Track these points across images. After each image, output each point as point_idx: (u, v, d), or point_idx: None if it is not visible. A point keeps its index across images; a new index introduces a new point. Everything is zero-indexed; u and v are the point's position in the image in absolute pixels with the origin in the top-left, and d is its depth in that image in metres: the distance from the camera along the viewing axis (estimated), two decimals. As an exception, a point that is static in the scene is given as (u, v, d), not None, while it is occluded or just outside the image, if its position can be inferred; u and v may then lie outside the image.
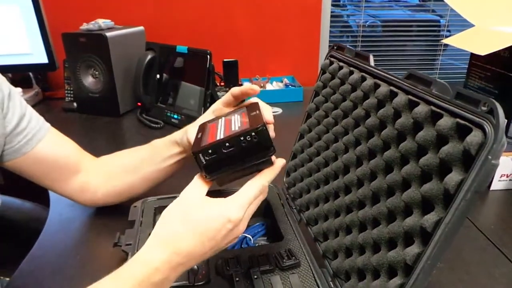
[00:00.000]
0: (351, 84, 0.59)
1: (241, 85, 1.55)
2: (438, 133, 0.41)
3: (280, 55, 1.75)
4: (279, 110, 1.42)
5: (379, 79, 0.53)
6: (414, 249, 0.41)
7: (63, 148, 0.73)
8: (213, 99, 1.30)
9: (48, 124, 0.72)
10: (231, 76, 1.54)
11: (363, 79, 0.56)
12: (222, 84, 1.57)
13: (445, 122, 0.40)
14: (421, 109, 0.43)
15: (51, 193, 0.92)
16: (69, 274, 0.67)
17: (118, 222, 0.74)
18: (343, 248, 0.54)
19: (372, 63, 0.56)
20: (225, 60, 1.51)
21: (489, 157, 0.35)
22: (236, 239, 0.48)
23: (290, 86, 1.54)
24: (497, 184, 0.90)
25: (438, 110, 0.41)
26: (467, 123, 0.37)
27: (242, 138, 0.46)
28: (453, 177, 0.37)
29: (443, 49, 2.33)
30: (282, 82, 1.58)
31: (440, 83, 0.43)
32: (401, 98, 0.47)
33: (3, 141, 0.64)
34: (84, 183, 0.74)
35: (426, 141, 0.42)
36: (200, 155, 0.46)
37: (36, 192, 0.97)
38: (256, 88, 0.62)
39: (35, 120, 0.68)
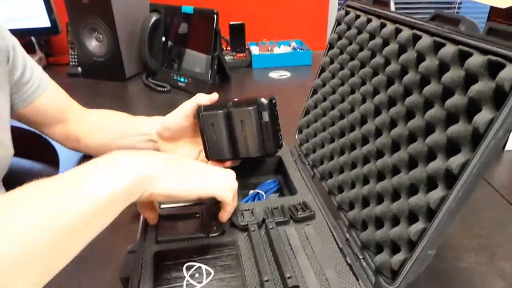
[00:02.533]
0: (369, 33, 0.57)
1: (248, 49, 1.53)
2: (467, 72, 0.39)
3: (288, 19, 1.70)
4: (287, 74, 1.39)
5: (401, 24, 0.50)
6: (438, 193, 0.40)
7: (60, 99, 0.77)
8: (220, 61, 1.28)
9: (47, 76, 0.75)
10: (238, 40, 1.51)
11: (383, 25, 0.54)
12: (229, 48, 1.54)
13: (475, 60, 0.38)
14: (448, 49, 0.41)
15: (60, 154, 0.92)
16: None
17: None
18: (360, 198, 0.53)
19: (393, 8, 0.54)
20: (231, 23, 1.47)
21: (525, 91, 0.33)
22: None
23: (298, 50, 1.50)
24: (512, 143, 0.89)
25: (467, 49, 0.39)
26: (499, 59, 0.36)
27: None
28: (483, 116, 0.36)
29: (458, 6, 2.25)
30: (290, 46, 1.54)
31: (469, 21, 0.41)
32: (425, 40, 0.45)
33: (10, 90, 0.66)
34: (70, 132, 0.78)
35: (453, 82, 0.40)
36: None
37: (45, 154, 0.97)
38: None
39: (37, 71, 0.72)
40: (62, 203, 0.35)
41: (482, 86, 0.37)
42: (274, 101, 0.59)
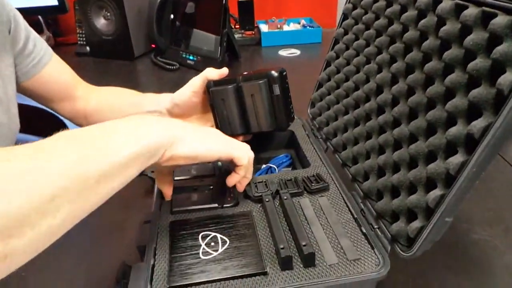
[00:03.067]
0: (386, 0, 0.55)
1: (257, 27, 1.51)
2: (491, 34, 0.38)
3: (297, -4, 1.67)
4: (297, 52, 1.37)
5: (420, -11, 0.49)
6: (458, 158, 0.39)
7: (64, 73, 0.76)
8: (230, 39, 1.26)
9: (50, 49, 0.74)
10: (247, 18, 1.49)
11: (401, -9, 0.52)
12: (237, 26, 1.52)
13: (500, 20, 0.37)
14: (471, 11, 0.40)
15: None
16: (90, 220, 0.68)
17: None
18: (375, 169, 0.53)
19: (412, -27, 0.52)
20: (240, 0, 1.45)
21: (553, 49, 0.32)
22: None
23: (308, 27, 1.48)
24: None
25: (491, 10, 0.38)
26: (526, 18, 0.34)
27: None
28: (508, 77, 0.35)
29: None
30: (299, 23, 1.52)
31: (493, -19, 0.39)
32: (446, 3, 0.44)
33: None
34: (78, 109, 0.78)
35: (476, 44, 0.39)
36: None
37: (56, 131, 0.97)
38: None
39: (40, 44, 0.71)
40: (87, 153, 0.36)
41: (507, 47, 0.36)
42: (284, 73, 0.58)
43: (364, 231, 0.49)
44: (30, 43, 0.69)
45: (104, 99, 0.80)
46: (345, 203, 0.54)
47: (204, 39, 1.25)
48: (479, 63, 0.39)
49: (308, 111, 0.76)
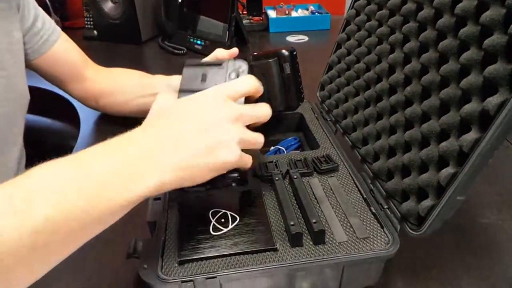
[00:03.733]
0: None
1: (265, 12, 1.50)
2: (508, 10, 0.37)
3: (306, -18, 1.65)
4: (305, 38, 1.36)
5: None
6: (471, 135, 0.39)
7: (73, 52, 0.77)
8: (238, 24, 1.25)
9: (59, 28, 0.75)
10: (254, 3, 1.48)
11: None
12: (245, 12, 1.51)
13: (519, -5, 0.36)
14: (489, -13, 0.39)
15: (80, 113, 0.93)
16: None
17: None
18: (386, 149, 0.53)
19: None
20: (248, -15, 1.44)
21: None
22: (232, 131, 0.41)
23: (316, 14, 1.46)
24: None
25: (510, -15, 0.37)
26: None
27: None
28: (525, 52, 0.35)
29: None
30: (307, 9, 1.50)
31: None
32: (463, -20, 0.43)
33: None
34: (88, 90, 0.79)
35: (493, 21, 0.39)
36: None
37: (65, 113, 0.98)
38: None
39: (48, 22, 0.72)
40: (64, 198, 0.33)
41: (525, 22, 0.35)
42: (294, 52, 0.57)
43: (374, 210, 0.49)
44: (39, 21, 0.69)
45: (115, 80, 0.80)
46: (355, 183, 0.54)
47: (212, 24, 1.25)
48: (496, 39, 0.38)
49: (317, 94, 0.76)
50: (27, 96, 0.67)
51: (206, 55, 0.66)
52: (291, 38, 1.37)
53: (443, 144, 0.42)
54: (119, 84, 0.79)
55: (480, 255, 0.55)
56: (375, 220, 0.48)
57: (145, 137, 0.40)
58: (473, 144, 0.39)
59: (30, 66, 0.71)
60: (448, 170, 0.41)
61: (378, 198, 0.51)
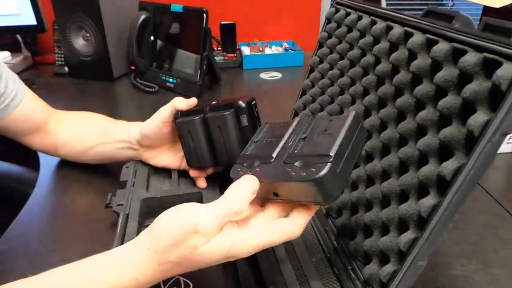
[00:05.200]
0: (360, 30, 0.54)
1: (239, 49, 1.51)
2: (461, 71, 0.36)
3: (280, 19, 1.68)
4: (278, 75, 1.37)
5: (392, 21, 0.48)
6: (429, 200, 0.37)
7: (36, 112, 0.74)
8: (210, 62, 1.25)
9: (23, 86, 0.72)
10: (229, 40, 1.48)
11: (373, 23, 0.51)
12: (220, 48, 1.51)
13: (470, 58, 0.35)
14: (442, 46, 0.39)
15: (40, 156, 0.88)
16: (58, 237, 0.64)
17: (110, 183, 0.71)
18: (348, 205, 0.51)
19: (384, 4, 0.51)
20: (222, 23, 1.44)
21: (523, 91, 0.30)
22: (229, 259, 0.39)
23: (290, 51, 1.48)
24: (505, 147, 0.87)
25: (461, 46, 0.37)
26: (496, 57, 0.33)
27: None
28: (478, 118, 0.33)
29: (451, 5, 2.23)
30: (281, 46, 1.52)
31: (463, 16, 0.38)
32: (417, 37, 0.42)
33: None
34: (48, 142, 0.76)
35: (447, 81, 0.38)
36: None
37: (25, 156, 0.93)
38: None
39: (12, 84, 0.69)
40: None
41: (477, 86, 0.34)
42: (253, 102, 0.56)
43: (337, 272, 0.47)
44: (2, 85, 0.66)
45: (74, 129, 0.77)
46: (318, 240, 0.52)
47: (184, 62, 1.24)
48: (449, 100, 0.37)
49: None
50: None
51: (178, 94, 0.64)
52: (264, 75, 1.37)
53: (403, 206, 0.40)
54: (78, 133, 0.76)
55: (450, 313, 0.52)
56: (338, 284, 0.46)
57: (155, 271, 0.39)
58: (432, 210, 0.37)
59: None
60: (408, 235, 0.39)
61: (342, 258, 0.49)
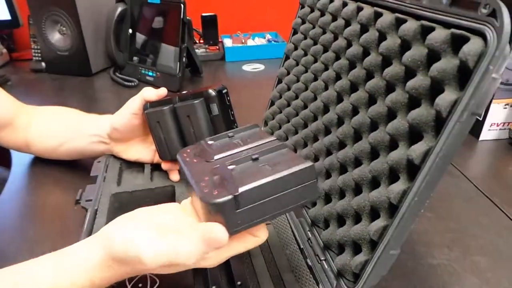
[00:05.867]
0: (331, 14, 0.52)
1: (221, 42, 1.48)
2: (429, 49, 0.34)
3: (262, 10, 1.65)
4: (261, 67, 1.34)
5: (362, 2, 0.46)
6: (399, 186, 0.36)
7: (4, 108, 0.71)
8: (190, 54, 1.22)
9: None
10: (211, 32, 1.45)
11: (344, 5, 0.49)
12: (202, 41, 1.48)
13: (437, 34, 0.33)
14: (410, 25, 0.37)
15: (13, 154, 0.85)
16: (29, 236, 0.62)
17: (82, 179, 0.68)
18: (322, 194, 0.49)
19: (355, -14, 0.49)
20: (203, 14, 1.41)
21: (490, 67, 0.29)
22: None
23: (273, 42, 1.45)
24: (487, 134, 0.86)
25: (429, 24, 0.35)
26: (463, 32, 0.31)
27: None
28: (445, 97, 0.32)
29: None
30: (264, 38, 1.49)
31: (432, -7, 0.36)
32: (386, 17, 0.41)
33: None
34: (18, 139, 0.73)
35: (415, 61, 0.36)
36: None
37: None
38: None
39: None
40: None
41: (445, 64, 0.32)
42: (224, 91, 0.54)
43: (310, 263, 0.45)
44: None
45: (45, 125, 0.74)
46: (292, 231, 0.50)
47: (164, 55, 1.21)
48: (418, 81, 0.35)
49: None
50: None
51: (158, 87, 0.62)
52: (247, 67, 1.34)
53: (373, 193, 0.39)
54: (50, 129, 0.73)
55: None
56: (311, 276, 0.44)
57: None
58: (401, 196, 0.35)
59: None
60: (378, 223, 0.37)
61: (315, 248, 0.47)
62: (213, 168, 0.38)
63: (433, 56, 0.34)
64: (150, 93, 0.57)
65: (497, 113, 0.83)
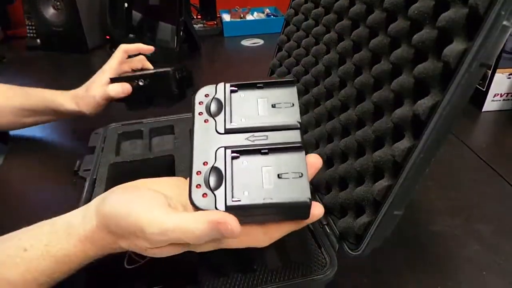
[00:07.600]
0: (334, -26, 0.50)
1: (219, 17, 1.45)
2: (436, 0, 0.33)
3: (261, -16, 1.61)
4: (260, 42, 1.32)
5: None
6: (404, 143, 0.35)
7: None
8: (189, 29, 1.19)
9: None
10: (208, 7, 1.42)
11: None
12: (199, 17, 1.45)
13: (446, -17, 0.32)
14: (416, -24, 0.35)
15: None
16: (27, 208, 0.61)
17: (81, 149, 0.68)
18: (324, 158, 0.48)
19: None
20: (201, -12, 1.38)
21: (502, 12, 0.27)
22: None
23: (272, 17, 1.43)
24: (490, 104, 0.85)
25: (437, -26, 0.33)
26: (474, -21, 0.30)
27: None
28: (454, 48, 0.30)
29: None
30: (263, 12, 1.46)
31: None
32: (391, -29, 0.39)
33: None
34: None
35: (421, 13, 0.34)
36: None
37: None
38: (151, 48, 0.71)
39: None
40: None
41: (453, 13, 0.31)
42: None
43: (312, 228, 0.44)
44: None
45: (8, 102, 0.72)
46: (293, 197, 0.49)
47: (161, 29, 1.18)
48: (424, 34, 0.34)
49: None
50: None
51: (156, 62, 0.64)
52: (245, 42, 1.32)
53: (377, 153, 0.38)
54: (17, 104, 0.72)
55: (433, 266, 0.50)
56: (313, 239, 0.43)
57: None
58: (406, 154, 0.34)
59: None
60: (382, 183, 0.36)
61: (317, 214, 0.46)
62: (213, 166, 0.33)
63: (440, 6, 0.33)
64: (130, 47, 0.68)
65: (501, 83, 0.82)
